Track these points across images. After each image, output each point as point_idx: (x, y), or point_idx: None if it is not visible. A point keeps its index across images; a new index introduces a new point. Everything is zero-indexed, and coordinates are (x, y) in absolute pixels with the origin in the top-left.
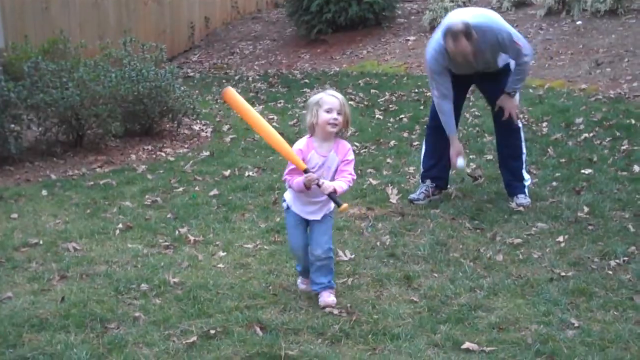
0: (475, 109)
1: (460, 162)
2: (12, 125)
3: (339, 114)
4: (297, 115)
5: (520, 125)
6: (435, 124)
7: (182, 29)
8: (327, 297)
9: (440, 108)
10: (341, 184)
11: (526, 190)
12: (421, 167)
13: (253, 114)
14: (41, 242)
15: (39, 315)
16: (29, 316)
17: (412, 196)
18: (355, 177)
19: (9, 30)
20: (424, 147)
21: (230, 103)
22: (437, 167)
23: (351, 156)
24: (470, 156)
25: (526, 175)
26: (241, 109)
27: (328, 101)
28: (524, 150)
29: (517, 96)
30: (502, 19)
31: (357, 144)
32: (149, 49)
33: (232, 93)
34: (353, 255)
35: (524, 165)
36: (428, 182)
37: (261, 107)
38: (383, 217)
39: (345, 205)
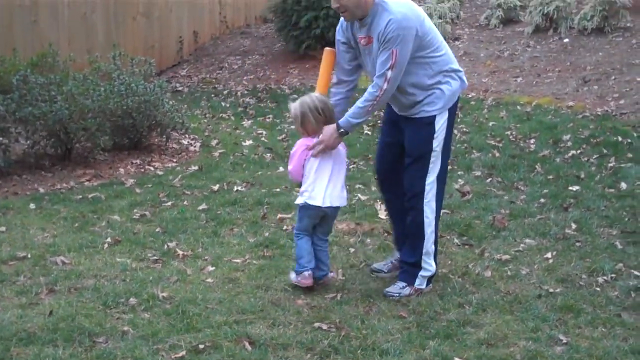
0: (463, 125)
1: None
2: (0, 139)
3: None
4: (285, 130)
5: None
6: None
7: (171, 43)
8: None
9: None
10: None
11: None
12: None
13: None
14: (29, 256)
15: (27, 329)
16: (17, 330)
17: (375, 266)
18: (289, 170)
19: None
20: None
21: (324, 59)
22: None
23: (292, 150)
24: (459, 172)
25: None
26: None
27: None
28: (431, 230)
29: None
30: (422, 18)
31: (346, 159)
32: (138, 63)
33: (330, 53)
34: (341, 271)
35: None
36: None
37: (250, 121)
38: (371, 233)
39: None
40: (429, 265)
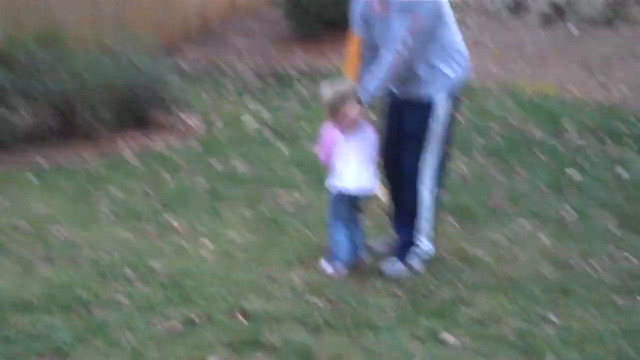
0: (467, 111)
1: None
2: (4, 109)
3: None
4: (289, 111)
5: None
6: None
7: (178, 23)
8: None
9: None
10: None
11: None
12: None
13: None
14: (29, 226)
15: (23, 297)
16: (14, 298)
17: (371, 244)
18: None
19: (2, 19)
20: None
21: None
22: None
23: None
24: (460, 156)
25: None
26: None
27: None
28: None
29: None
30: None
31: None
32: (144, 41)
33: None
34: None
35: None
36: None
37: (254, 102)
38: (369, 213)
39: None
40: (422, 244)
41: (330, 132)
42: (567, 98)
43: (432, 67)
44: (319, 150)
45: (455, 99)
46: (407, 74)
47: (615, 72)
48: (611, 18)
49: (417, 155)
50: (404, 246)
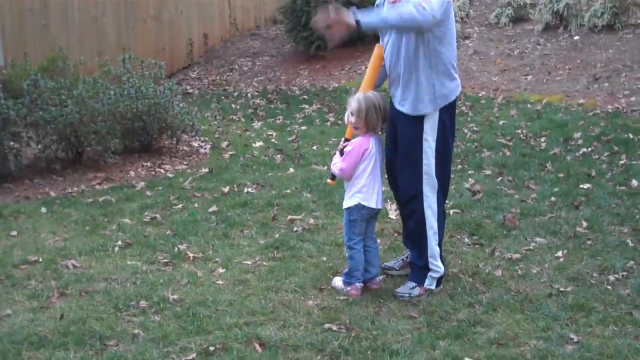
0: (473, 124)
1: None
2: (12, 143)
3: (351, 114)
4: (296, 131)
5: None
6: None
7: (181, 45)
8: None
9: None
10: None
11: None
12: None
13: (372, 74)
14: (40, 260)
15: (38, 333)
16: (28, 334)
17: (386, 264)
18: (341, 167)
19: (8, 48)
20: None
21: (374, 55)
22: None
23: (348, 148)
24: (469, 171)
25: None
26: (372, 63)
27: (349, 103)
28: (433, 232)
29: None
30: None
31: None
32: (148, 66)
33: (380, 49)
34: None
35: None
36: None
37: (260, 123)
38: (382, 233)
39: (329, 180)
40: (436, 267)
41: (358, 148)
42: (574, 107)
43: (431, 83)
44: (344, 165)
45: (450, 114)
46: (400, 81)
47: (620, 79)
48: (613, 24)
49: (414, 177)
50: (420, 270)
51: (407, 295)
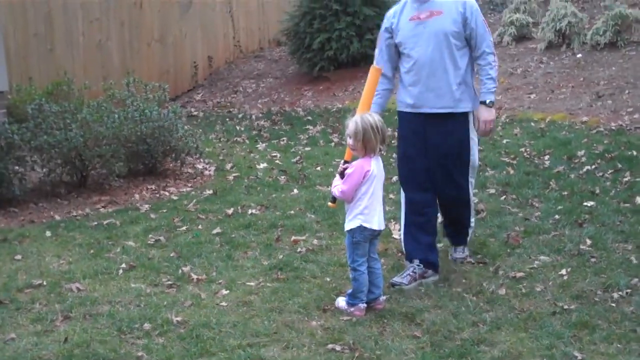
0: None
1: None
2: (16, 167)
3: (348, 136)
4: (300, 152)
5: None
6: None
7: (186, 68)
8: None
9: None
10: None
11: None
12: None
13: (367, 96)
14: (45, 283)
15: (42, 357)
16: (32, 357)
17: (394, 280)
18: (342, 189)
19: (13, 72)
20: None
21: (370, 76)
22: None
23: (349, 171)
24: (473, 190)
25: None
26: (368, 85)
27: (347, 125)
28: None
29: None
30: None
31: None
32: (152, 89)
33: (376, 71)
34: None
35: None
36: (416, 262)
37: (264, 144)
38: (386, 253)
39: (329, 203)
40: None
41: (359, 170)
42: (577, 125)
43: (467, 83)
44: (345, 187)
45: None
46: (444, 87)
47: (623, 96)
48: (615, 41)
49: (467, 174)
50: (464, 237)
51: (464, 256)
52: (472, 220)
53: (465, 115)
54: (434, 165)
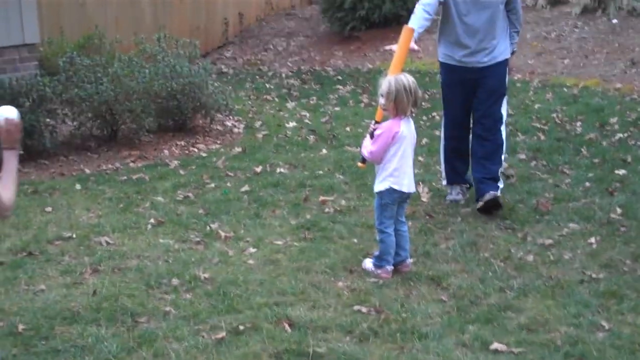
0: (508, 108)
1: None
2: (47, 120)
3: (381, 95)
4: (329, 112)
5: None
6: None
7: (216, 25)
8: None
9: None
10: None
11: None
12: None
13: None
14: (74, 236)
15: (71, 308)
16: (61, 309)
17: (451, 197)
18: (371, 150)
19: (45, 26)
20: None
21: (402, 37)
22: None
23: (378, 132)
24: (503, 155)
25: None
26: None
27: (380, 85)
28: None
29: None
30: None
31: None
32: (183, 45)
33: (409, 32)
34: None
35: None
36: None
37: (294, 103)
38: (413, 216)
39: (359, 164)
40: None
41: (388, 131)
42: (610, 92)
43: (506, 36)
44: (374, 148)
45: None
46: (492, 45)
47: None
48: None
49: (501, 105)
50: (495, 181)
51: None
52: (503, 157)
53: (506, 60)
54: (476, 103)
